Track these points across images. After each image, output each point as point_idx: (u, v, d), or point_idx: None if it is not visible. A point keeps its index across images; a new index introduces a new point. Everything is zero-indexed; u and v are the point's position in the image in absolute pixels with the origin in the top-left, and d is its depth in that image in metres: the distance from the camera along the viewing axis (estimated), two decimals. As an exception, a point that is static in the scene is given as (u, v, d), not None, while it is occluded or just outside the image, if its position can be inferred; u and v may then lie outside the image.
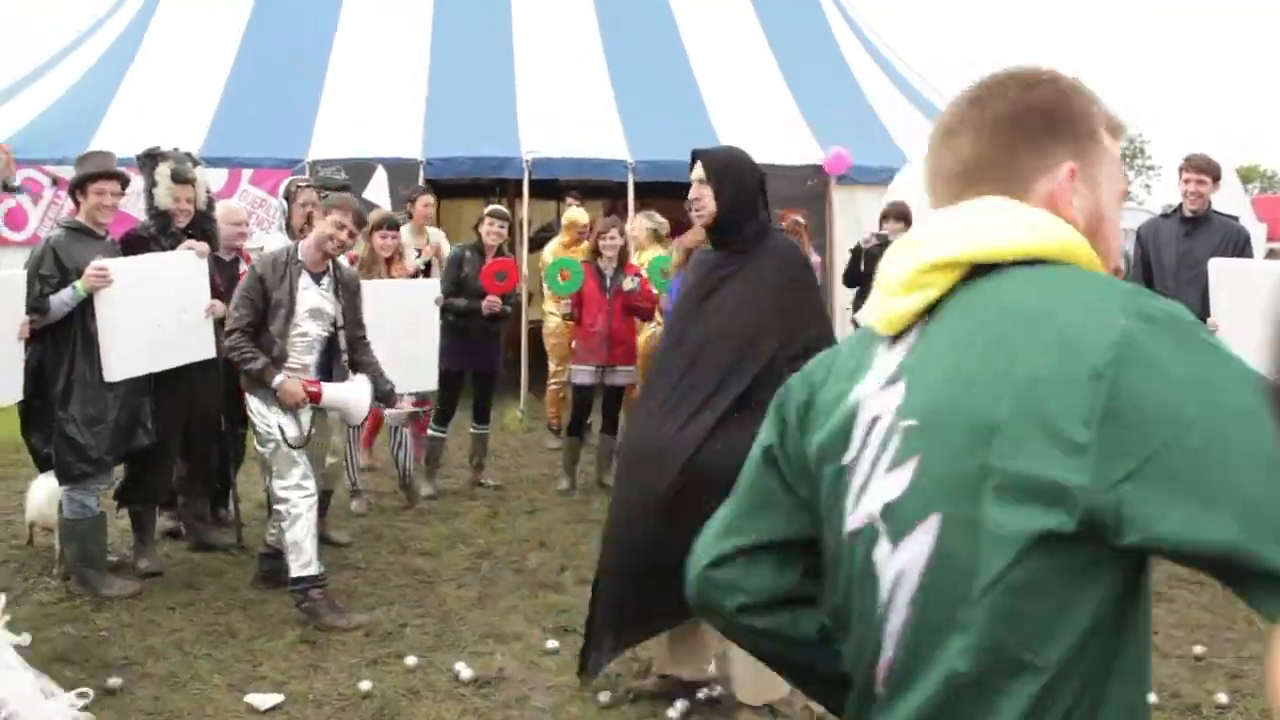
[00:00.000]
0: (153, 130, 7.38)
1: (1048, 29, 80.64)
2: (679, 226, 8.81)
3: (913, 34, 51.69)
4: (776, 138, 9.48)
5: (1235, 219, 6.24)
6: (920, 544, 1.03)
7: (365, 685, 3.79)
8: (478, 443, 6.78)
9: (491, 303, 6.34)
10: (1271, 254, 10.70)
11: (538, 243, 10.04)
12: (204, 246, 5.02)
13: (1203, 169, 5.89)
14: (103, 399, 4.59)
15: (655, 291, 6.62)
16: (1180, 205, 6.00)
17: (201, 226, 5.14)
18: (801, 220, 6.87)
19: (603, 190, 11.11)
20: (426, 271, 6.84)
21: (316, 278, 4.63)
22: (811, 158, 9.59)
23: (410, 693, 3.80)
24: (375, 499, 6.38)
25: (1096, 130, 1.16)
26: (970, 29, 78.90)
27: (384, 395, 4.84)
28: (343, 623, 4.35)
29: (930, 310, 1.12)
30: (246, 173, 9.01)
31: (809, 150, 9.68)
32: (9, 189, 6.66)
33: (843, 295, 8.10)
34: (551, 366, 8.04)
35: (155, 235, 4.97)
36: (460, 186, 11.18)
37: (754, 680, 3.44)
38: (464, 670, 3.91)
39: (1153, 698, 3.75)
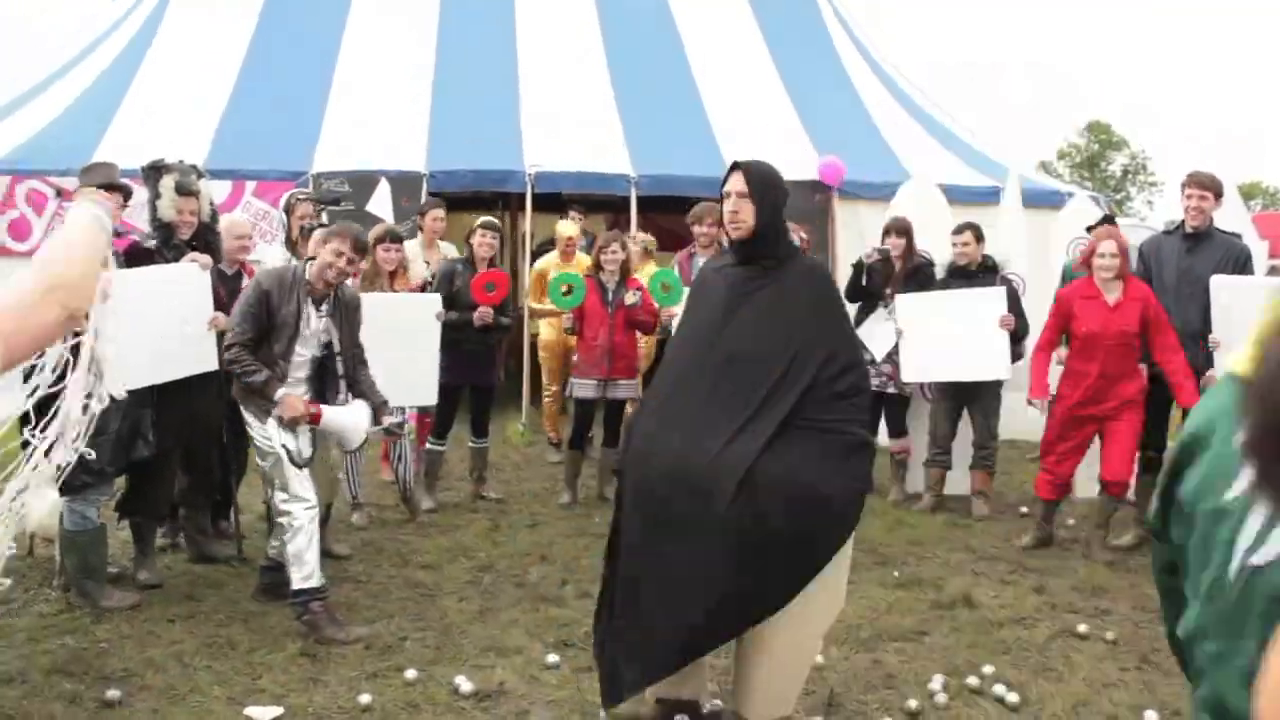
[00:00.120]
0: (157, 142, 7.43)
1: (1048, 29, 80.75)
2: (679, 240, 8.84)
3: (913, 34, 51.75)
4: (779, 153, 9.44)
5: (1237, 236, 6.26)
6: None
7: (365, 698, 3.78)
8: (477, 456, 6.77)
9: (482, 314, 6.30)
10: (1273, 271, 10.68)
11: (541, 256, 10.03)
12: (207, 259, 5.03)
13: (1205, 185, 5.91)
14: (104, 410, 4.57)
15: (656, 305, 6.63)
16: (1182, 222, 6.02)
17: (205, 239, 5.15)
18: (804, 235, 6.88)
19: (605, 204, 11.13)
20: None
21: (318, 302, 4.66)
22: (814, 173, 9.60)
23: (410, 706, 3.79)
24: (376, 512, 6.38)
25: None
26: (969, 29, 78.96)
27: (375, 409, 4.82)
28: (343, 635, 4.35)
29: None
30: (250, 184, 9.02)
31: (812, 166, 9.69)
32: None
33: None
34: (544, 380, 8.04)
35: (159, 247, 4.98)
36: (463, 199, 11.19)
37: (760, 698, 3.41)
38: (464, 684, 3.90)
39: (1154, 716, 3.74)
